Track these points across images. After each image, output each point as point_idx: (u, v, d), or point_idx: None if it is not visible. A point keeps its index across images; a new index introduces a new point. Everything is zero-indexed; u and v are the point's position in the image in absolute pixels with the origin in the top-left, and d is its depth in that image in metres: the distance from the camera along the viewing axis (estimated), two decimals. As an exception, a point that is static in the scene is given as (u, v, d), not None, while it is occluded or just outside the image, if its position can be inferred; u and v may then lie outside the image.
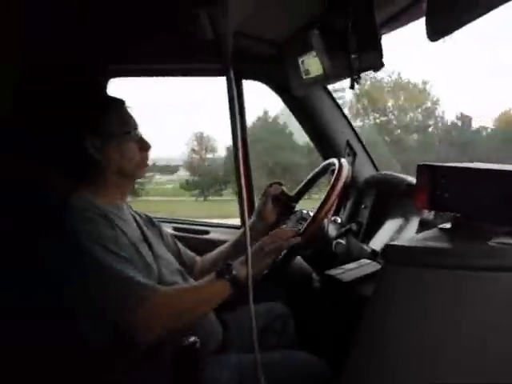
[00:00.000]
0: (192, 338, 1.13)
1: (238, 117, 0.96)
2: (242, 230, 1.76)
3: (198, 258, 1.72)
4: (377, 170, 2.08)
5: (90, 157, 1.37)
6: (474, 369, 0.71)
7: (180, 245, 1.69)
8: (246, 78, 2.08)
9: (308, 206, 1.71)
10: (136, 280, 1.24)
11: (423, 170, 0.83)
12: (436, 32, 1.05)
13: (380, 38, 1.29)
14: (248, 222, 1.69)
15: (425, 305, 0.72)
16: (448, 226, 0.84)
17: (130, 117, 1.45)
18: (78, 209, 1.30)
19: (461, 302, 0.69)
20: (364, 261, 1.43)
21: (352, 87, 1.39)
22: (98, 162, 1.38)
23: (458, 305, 0.70)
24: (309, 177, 1.77)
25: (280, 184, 1.72)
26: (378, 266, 1.27)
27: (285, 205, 1.72)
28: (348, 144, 2.00)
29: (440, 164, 0.83)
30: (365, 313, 0.76)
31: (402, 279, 0.73)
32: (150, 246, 1.44)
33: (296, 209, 1.71)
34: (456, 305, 0.70)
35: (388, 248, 0.76)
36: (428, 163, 0.83)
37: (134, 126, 1.44)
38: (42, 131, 1.43)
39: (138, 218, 1.53)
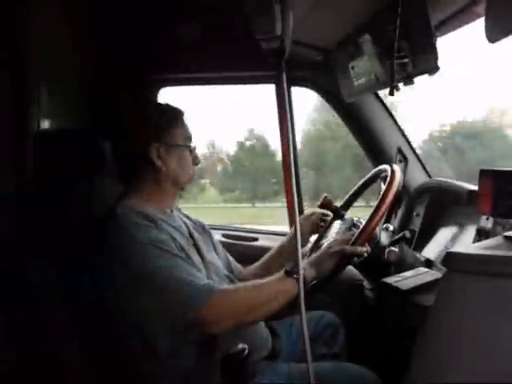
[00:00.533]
0: (241, 345, 1.13)
1: (289, 122, 0.95)
2: (285, 237, 1.75)
3: (242, 270, 1.73)
4: (429, 176, 2.03)
5: (152, 163, 1.41)
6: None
7: (230, 256, 1.71)
8: (296, 85, 2.07)
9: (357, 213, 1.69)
10: (195, 281, 1.26)
11: (486, 176, 0.80)
12: (495, 33, 1.01)
13: (435, 41, 1.26)
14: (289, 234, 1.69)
15: (489, 314, 0.69)
16: (513, 233, 0.80)
17: (189, 130, 1.49)
18: (125, 215, 1.33)
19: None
20: (421, 269, 1.39)
21: (391, 94, 1.37)
22: (157, 170, 1.42)
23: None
24: (359, 183, 1.75)
25: (328, 201, 1.71)
26: (437, 275, 1.23)
27: (334, 214, 1.71)
28: (399, 150, 1.97)
29: (504, 169, 0.80)
30: (427, 322, 0.74)
31: (465, 288, 0.70)
32: (199, 251, 1.45)
33: (346, 216, 1.69)
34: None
35: (451, 256, 0.74)
36: (492, 168, 0.80)
37: (191, 138, 1.49)
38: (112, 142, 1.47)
39: (188, 222, 1.55)
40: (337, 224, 1.72)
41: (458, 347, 0.71)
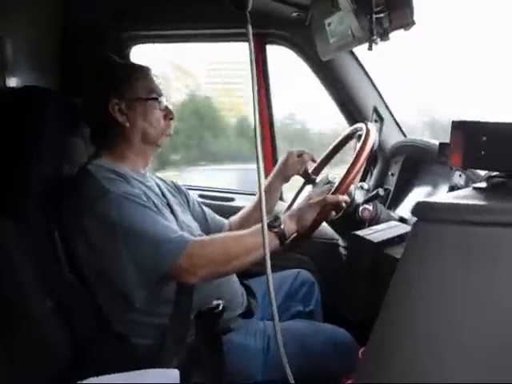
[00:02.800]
0: (215, 301, 1.13)
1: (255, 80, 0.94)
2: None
3: (225, 222, 1.72)
4: (404, 135, 2.03)
5: (114, 119, 1.38)
6: (504, 330, 0.70)
7: (207, 209, 1.70)
8: (271, 43, 2.04)
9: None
10: (168, 233, 1.26)
11: (457, 127, 0.80)
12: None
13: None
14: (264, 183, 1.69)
15: (459, 263, 0.69)
16: (483, 185, 0.81)
17: (156, 84, 1.45)
18: (96, 171, 1.31)
19: (497, 259, 0.67)
20: (393, 223, 1.41)
21: (370, 49, 1.36)
22: (121, 126, 1.39)
23: (495, 262, 0.68)
24: (335, 142, 1.74)
25: (314, 160, 1.71)
26: (408, 228, 1.25)
27: (305, 178, 1.71)
28: (375, 110, 1.96)
29: (476, 120, 0.80)
30: (396, 272, 0.75)
31: (434, 236, 0.71)
32: (172, 212, 1.45)
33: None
34: (492, 262, 0.68)
35: (420, 205, 0.74)
36: (463, 120, 0.80)
37: (160, 93, 1.45)
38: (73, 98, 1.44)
39: (161, 183, 1.54)
40: (308, 188, 1.72)
41: (426, 296, 0.73)
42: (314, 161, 1.71)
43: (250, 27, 0.95)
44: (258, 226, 1.30)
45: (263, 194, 1.01)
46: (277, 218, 1.32)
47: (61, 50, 1.79)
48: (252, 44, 0.95)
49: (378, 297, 0.83)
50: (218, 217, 1.72)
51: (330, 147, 1.75)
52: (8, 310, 1.21)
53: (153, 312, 1.32)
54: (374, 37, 1.34)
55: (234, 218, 1.73)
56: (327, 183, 1.57)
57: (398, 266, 0.75)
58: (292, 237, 1.36)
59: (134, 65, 1.50)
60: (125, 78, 1.40)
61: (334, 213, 1.39)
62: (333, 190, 1.40)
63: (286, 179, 1.70)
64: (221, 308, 1.11)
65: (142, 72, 1.44)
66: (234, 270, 1.37)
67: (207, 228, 1.63)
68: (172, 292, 1.29)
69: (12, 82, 1.44)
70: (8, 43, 1.40)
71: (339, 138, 1.73)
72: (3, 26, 1.39)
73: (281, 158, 1.71)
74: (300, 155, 1.67)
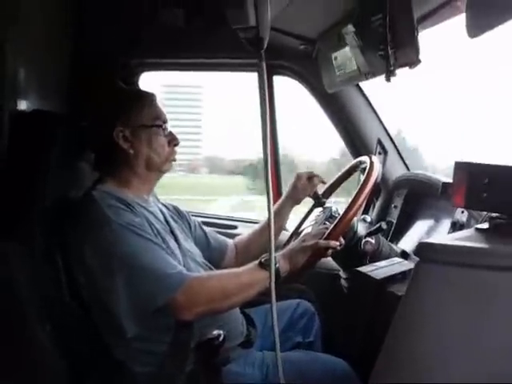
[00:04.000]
0: (216, 331, 1.13)
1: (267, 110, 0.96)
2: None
3: (229, 242, 1.73)
4: (408, 169, 2.05)
5: (119, 147, 1.39)
6: (503, 369, 0.70)
7: (208, 230, 1.71)
8: (278, 74, 2.07)
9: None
10: (168, 268, 1.26)
11: (460, 168, 0.81)
12: (476, 28, 1.02)
13: (417, 34, 1.27)
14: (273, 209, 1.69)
15: (460, 304, 0.70)
16: (485, 226, 0.81)
17: (161, 111, 1.46)
18: (100, 198, 1.32)
19: (497, 303, 0.68)
20: (396, 259, 1.41)
21: (388, 80, 1.37)
22: (126, 153, 1.40)
23: (494, 306, 0.68)
24: (339, 174, 1.76)
25: (323, 182, 1.73)
26: (411, 265, 1.25)
27: (316, 200, 1.73)
28: (379, 142, 1.98)
29: (478, 162, 0.81)
30: (398, 311, 0.75)
31: (436, 278, 0.71)
32: (176, 239, 1.45)
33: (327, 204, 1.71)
34: (492, 305, 0.68)
35: (423, 246, 0.75)
36: (466, 161, 0.81)
37: (164, 120, 1.45)
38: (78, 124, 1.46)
39: (164, 210, 1.54)
40: (317, 211, 1.73)
41: (427, 338, 0.73)
42: (323, 182, 1.73)
43: (264, 65, 0.97)
44: (255, 262, 1.33)
45: (272, 226, 1.02)
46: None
47: (71, 75, 1.82)
48: (265, 79, 0.97)
49: (378, 333, 0.83)
50: (220, 236, 1.73)
51: (334, 178, 1.76)
52: (8, 333, 1.21)
53: (152, 339, 1.31)
54: (391, 67, 1.35)
55: (241, 239, 1.74)
56: (329, 217, 1.58)
57: (399, 305, 0.75)
58: (285, 275, 1.37)
59: (138, 92, 1.52)
60: (130, 106, 1.41)
61: (329, 252, 1.40)
62: (329, 230, 1.41)
63: (297, 202, 1.73)
64: (221, 339, 1.11)
65: (147, 99, 1.45)
66: (229, 307, 1.37)
67: (210, 248, 1.64)
68: (172, 320, 1.29)
69: (22, 106, 1.46)
70: (20, 68, 1.42)
71: (343, 170, 1.75)
72: (16, 51, 1.41)
73: (291, 181, 1.73)
74: (310, 178, 1.69)
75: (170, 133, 1.46)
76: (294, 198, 1.71)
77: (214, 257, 1.64)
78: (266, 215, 1.01)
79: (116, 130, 1.38)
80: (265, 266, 1.29)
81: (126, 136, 1.39)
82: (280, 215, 1.69)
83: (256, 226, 1.76)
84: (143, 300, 1.25)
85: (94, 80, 1.64)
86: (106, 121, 1.39)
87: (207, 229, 1.70)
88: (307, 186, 1.70)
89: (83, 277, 1.30)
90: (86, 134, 1.45)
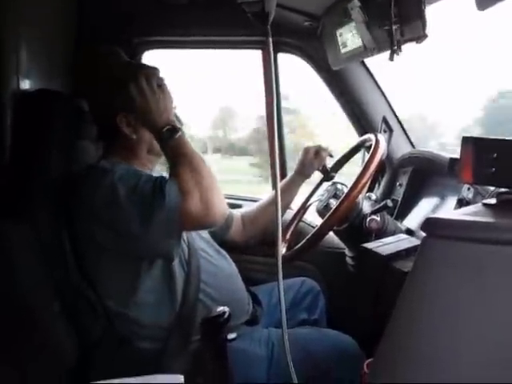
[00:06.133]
0: (221, 308, 1.13)
1: (274, 87, 0.95)
2: (282, 182, 1.76)
3: (236, 213, 1.74)
4: (413, 146, 2.04)
5: (121, 131, 1.37)
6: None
7: None
8: (282, 51, 2.04)
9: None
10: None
11: (468, 143, 0.80)
12: (485, 0, 1.00)
13: (424, 8, 1.24)
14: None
15: (467, 279, 0.69)
16: (492, 201, 0.81)
17: (168, 93, 1.43)
18: (109, 169, 1.30)
19: (506, 276, 0.67)
20: (402, 235, 1.41)
21: (391, 59, 1.35)
22: (128, 138, 1.38)
23: (503, 280, 0.67)
24: (345, 152, 1.75)
25: (331, 156, 1.72)
26: (417, 242, 1.25)
27: (323, 175, 1.73)
28: (384, 120, 1.96)
29: (486, 137, 0.80)
30: (404, 287, 0.75)
31: (443, 253, 0.71)
32: None
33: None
34: (500, 280, 0.68)
35: (430, 221, 0.74)
36: (473, 136, 0.80)
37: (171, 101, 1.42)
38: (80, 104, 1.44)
39: None
40: (326, 185, 1.74)
41: (434, 311, 0.72)
42: (331, 156, 1.72)
43: (270, 40, 0.96)
44: None
45: (280, 202, 1.01)
46: None
47: (75, 52, 1.80)
48: (272, 56, 0.96)
49: (384, 310, 0.83)
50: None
51: (339, 156, 1.76)
52: (15, 313, 1.22)
53: (157, 312, 1.33)
54: (395, 46, 1.33)
55: (248, 211, 1.75)
56: (334, 195, 1.58)
57: (406, 281, 0.75)
58: (298, 246, 1.37)
59: (143, 68, 1.44)
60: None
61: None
62: (335, 206, 1.41)
63: (307, 176, 1.74)
64: (226, 316, 1.11)
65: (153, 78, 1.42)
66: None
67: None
68: (178, 289, 1.31)
69: (25, 85, 1.45)
70: (23, 47, 1.40)
71: (349, 149, 1.74)
72: (18, 30, 1.40)
73: (299, 156, 1.73)
74: (317, 151, 1.68)
75: (176, 116, 1.42)
76: (303, 173, 1.72)
77: (221, 228, 1.64)
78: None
79: (120, 116, 1.35)
80: None
81: (129, 121, 1.36)
82: (289, 190, 1.71)
83: (264, 199, 1.77)
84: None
85: (94, 58, 1.58)
86: (108, 105, 1.36)
87: None
88: (315, 160, 1.70)
89: (94, 249, 1.30)
90: (89, 113, 1.43)
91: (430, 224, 0.74)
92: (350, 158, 1.77)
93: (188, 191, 1.22)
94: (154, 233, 1.22)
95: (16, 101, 1.36)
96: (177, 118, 1.41)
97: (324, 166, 1.71)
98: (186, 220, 1.23)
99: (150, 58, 2.12)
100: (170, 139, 1.27)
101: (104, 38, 1.85)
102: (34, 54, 1.47)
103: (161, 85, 1.34)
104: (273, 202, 1.66)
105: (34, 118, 1.36)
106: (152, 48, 2.11)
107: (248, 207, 1.79)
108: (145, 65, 1.50)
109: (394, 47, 1.32)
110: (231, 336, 1.15)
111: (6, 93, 1.35)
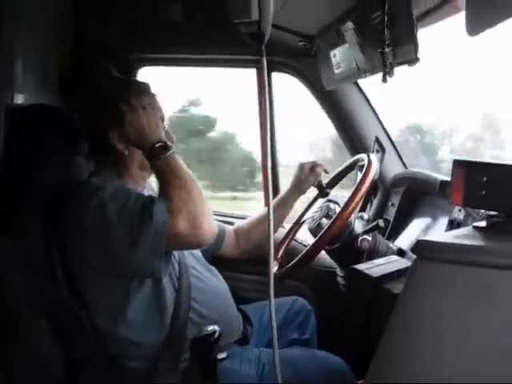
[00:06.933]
0: (211, 327, 1.13)
1: (267, 106, 0.96)
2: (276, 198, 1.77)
3: (228, 228, 1.74)
4: (405, 167, 2.05)
5: (113, 147, 1.35)
6: (500, 368, 0.70)
7: None
8: (276, 71, 2.06)
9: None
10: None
11: (459, 166, 0.81)
12: (476, 26, 1.02)
13: (416, 32, 1.26)
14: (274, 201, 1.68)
15: (457, 302, 0.70)
16: (483, 224, 0.81)
17: (160, 108, 1.43)
18: (100, 186, 1.29)
19: (495, 301, 0.67)
20: (393, 257, 1.41)
21: (384, 81, 1.37)
22: (120, 153, 1.37)
23: (492, 304, 0.68)
24: (336, 171, 1.76)
25: (326, 172, 1.73)
26: (408, 263, 1.25)
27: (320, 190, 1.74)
28: (377, 140, 1.98)
29: (476, 160, 0.81)
30: (394, 309, 0.75)
31: (434, 276, 0.71)
32: None
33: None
34: (490, 304, 0.68)
35: (421, 243, 0.75)
36: (464, 159, 0.81)
37: (162, 117, 1.41)
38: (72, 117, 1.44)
39: None
40: (320, 202, 1.74)
41: (424, 336, 0.73)
42: (326, 172, 1.73)
43: (264, 60, 0.97)
44: None
45: (272, 220, 1.01)
46: None
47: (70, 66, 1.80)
48: (265, 74, 0.96)
49: (375, 331, 0.83)
50: (217, 223, 1.72)
51: (332, 176, 1.77)
52: (4, 328, 1.20)
53: (146, 331, 1.31)
54: (388, 68, 1.35)
55: (241, 225, 1.75)
56: (326, 215, 1.58)
57: (396, 303, 0.75)
58: (290, 264, 1.36)
59: (135, 85, 1.43)
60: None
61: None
62: (327, 226, 1.41)
63: (301, 192, 1.75)
64: (217, 335, 1.10)
65: (146, 94, 1.38)
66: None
67: None
68: (168, 307, 1.31)
69: (19, 100, 1.45)
70: (18, 62, 1.41)
71: (341, 168, 1.75)
72: (14, 44, 1.40)
73: (294, 172, 1.73)
74: (312, 167, 1.69)
75: (167, 132, 1.40)
76: (299, 189, 1.72)
77: (213, 244, 1.63)
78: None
79: (111, 131, 1.34)
80: None
81: (120, 137, 1.34)
82: (284, 206, 1.71)
83: (258, 214, 1.77)
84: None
85: (86, 72, 1.58)
86: (99, 120, 1.35)
87: None
88: (310, 175, 1.70)
89: (83, 266, 1.29)
90: (81, 128, 1.42)
91: (420, 246, 0.74)
92: (344, 176, 1.77)
93: (176, 211, 1.21)
94: (141, 253, 1.21)
95: (10, 115, 1.36)
96: (167, 133, 1.39)
97: (319, 182, 1.71)
98: (175, 240, 1.22)
99: (146, 74, 2.13)
100: (159, 157, 1.26)
101: (100, 53, 1.86)
102: (29, 68, 1.48)
103: (151, 101, 1.34)
104: (265, 218, 1.66)
105: (28, 133, 1.36)
106: (148, 65, 2.12)
107: (241, 222, 1.79)
108: (136, 81, 1.51)
109: (386, 70, 1.34)
110: (221, 356, 1.13)
111: (0, 105, 1.35)
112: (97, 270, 1.29)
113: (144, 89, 1.37)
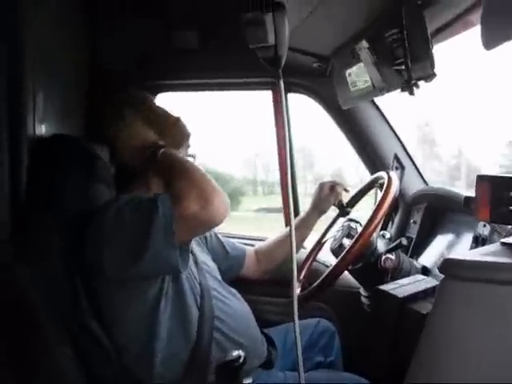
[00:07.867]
0: (236, 352, 1.11)
1: (286, 128, 0.96)
2: (297, 218, 1.78)
3: (249, 249, 1.74)
4: (426, 183, 2.03)
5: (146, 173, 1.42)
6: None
7: (225, 239, 1.71)
8: (292, 92, 2.07)
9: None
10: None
11: (484, 181, 0.79)
12: (492, 40, 1.01)
13: (432, 48, 1.26)
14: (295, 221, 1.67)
15: (486, 322, 0.68)
16: (511, 240, 0.79)
17: (187, 133, 1.49)
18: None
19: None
20: (418, 276, 1.38)
21: (411, 94, 1.37)
22: (150, 180, 1.43)
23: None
24: (357, 190, 1.75)
25: (347, 190, 1.73)
26: (433, 282, 1.23)
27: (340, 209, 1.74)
28: (396, 157, 1.96)
29: (501, 175, 0.79)
30: (424, 330, 0.73)
31: (463, 295, 0.69)
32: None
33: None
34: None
35: (448, 262, 0.73)
36: (489, 174, 0.80)
37: (188, 143, 1.48)
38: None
39: None
40: (341, 221, 1.73)
41: (455, 357, 0.71)
42: (346, 191, 1.73)
43: (282, 83, 0.97)
44: None
45: (294, 241, 1.00)
46: None
47: (87, 99, 1.84)
48: (284, 98, 0.97)
49: (402, 352, 0.81)
50: (238, 244, 1.74)
51: (352, 195, 1.76)
52: (27, 356, 1.20)
53: (171, 354, 1.30)
54: (413, 81, 1.34)
55: (262, 246, 1.76)
56: (348, 234, 1.57)
57: (426, 324, 0.74)
58: (313, 285, 1.35)
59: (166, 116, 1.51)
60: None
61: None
62: (349, 246, 1.40)
63: (322, 212, 1.75)
64: (242, 360, 1.09)
65: (175, 124, 1.48)
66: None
67: (228, 257, 1.66)
68: (192, 330, 1.30)
69: (41, 128, 1.47)
70: (39, 94, 1.43)
71: (361, 187, 1.74)
72: (36, 76, 1.43)
73: (314, 192, 1.74)
74: (332, 187, 1.69)
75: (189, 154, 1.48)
76: (319, 208, 1.72)
77: (234, 265, 1.64)
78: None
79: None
80: None
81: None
82: (305, 226, 1.72)
83: (279, 234, 1.77)
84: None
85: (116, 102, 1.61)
86: (127, 149, 1.42)
87: (223, 238, 1.70)
88: (330, 195, 1.70)
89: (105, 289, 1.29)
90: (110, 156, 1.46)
91: (448, 265, 0.73)
92: (364, 194, 1.76)
93: (183, 195, 1.20)
94: (155, 246, 1.19)
95: (32, 144, 1.38)
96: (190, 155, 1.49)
97: (340, 201, 1.71)
98: (188, 224, 1.21)
99: (163, 100, 2.16)
100: (155, 157, 1.32)
101: (117, 81, 1.89)
102: (49, 98, 1.50)
103: None
104: (286, 239, 1.66)
105: (50, 163, 1.38)
106: (164, 91, 2.15)
107: (262, 242, 1.78)
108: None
109: (406, 88, 1.34)
110: (247, 381, 1.11)
111: (22, 136, 1.37)
112: (118, 285, 1.28)
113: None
